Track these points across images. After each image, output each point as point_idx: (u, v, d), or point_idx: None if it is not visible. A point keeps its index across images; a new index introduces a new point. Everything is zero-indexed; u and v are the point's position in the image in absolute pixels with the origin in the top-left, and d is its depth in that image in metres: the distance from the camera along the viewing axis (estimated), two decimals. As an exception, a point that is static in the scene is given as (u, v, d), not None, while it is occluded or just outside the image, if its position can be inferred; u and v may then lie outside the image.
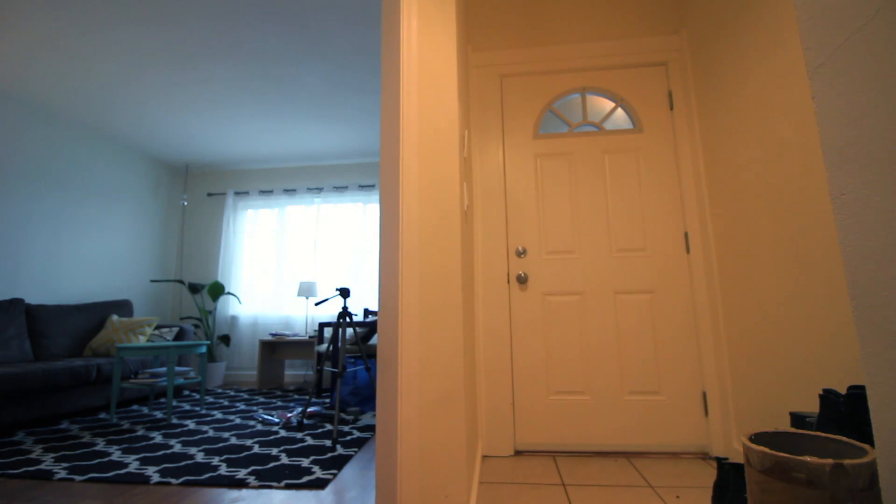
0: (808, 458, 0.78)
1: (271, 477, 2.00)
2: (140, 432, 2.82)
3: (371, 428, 2.85)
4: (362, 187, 5.28)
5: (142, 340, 3.93)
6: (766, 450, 0.83)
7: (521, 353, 2.39)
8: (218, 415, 3.33)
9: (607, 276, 2.39)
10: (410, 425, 1.38)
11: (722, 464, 1.40)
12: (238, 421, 3.12)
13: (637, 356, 2.31)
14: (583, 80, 2.58)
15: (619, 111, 2.55)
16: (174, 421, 3.12)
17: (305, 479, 1.98)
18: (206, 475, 2.04)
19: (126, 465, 2.18)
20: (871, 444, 0.79)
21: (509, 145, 2.58)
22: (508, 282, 2.44)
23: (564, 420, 2.31)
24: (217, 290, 5.03)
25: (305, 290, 4.84)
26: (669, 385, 2.27)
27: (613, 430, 2.27)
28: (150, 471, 2.09)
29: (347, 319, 2.85)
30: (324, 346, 4.13)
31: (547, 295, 2.42)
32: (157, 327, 4.27)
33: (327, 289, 5.12)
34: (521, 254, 2.47)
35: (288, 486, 1.90)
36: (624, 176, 2.47)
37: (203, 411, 3.44)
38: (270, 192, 5.46)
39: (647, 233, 2.40)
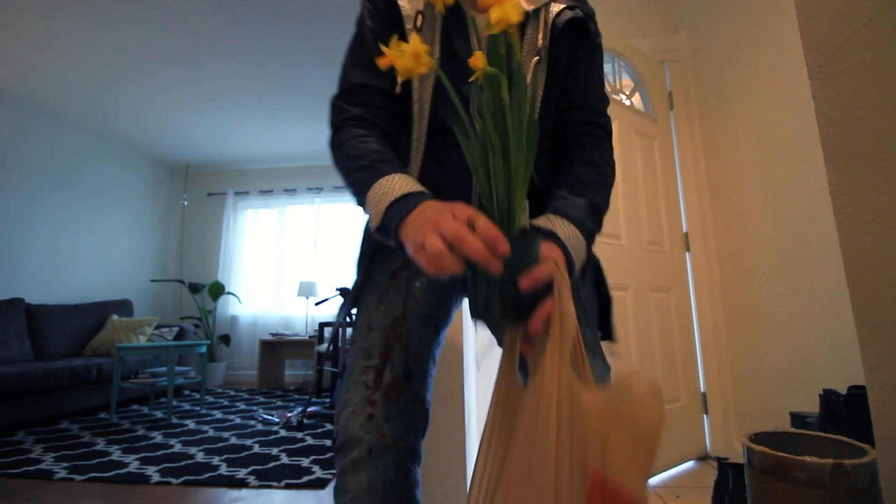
0: (808, 458, 0.78)
1: (271, 477, 2.00)
2: (140, 432, 2.82)
3: (371, 428, 2.85)
4: (362, 187, 5.28)
5: (142, 340, 3.93)
6: (767, 450, 0.83)
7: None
8: (218, 414, 3.33)
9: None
10: (410, 425, 1.37)
11: (722, 464, 1.40)
12: (238, 421, 3.12)
13: (637, 356, 2.31)
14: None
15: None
16: (174, 421, 3.12)
17: (305, 478, 1.98)
18: (206, 475, 2.03)
19: (126, 465, 2.17)
20: (872, 444, 0.79)
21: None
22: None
23: (564, 420, 2.30)
24: (217, 290, 5.03)
25: (305, 290, 4.84)
26: (669, 385, 2.27)
27: (613, 430, 2.26)
28: (150, 470, 2.09)
29: (348, 319, 2.84)
30: (324, 346, 4.13)
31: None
32: (157, 327, 4.27)
33: (327, 289, 5.11)
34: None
35: (288, 486, 1.90)
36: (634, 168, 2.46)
37: (203, 411, 3.44)
38: (270, 192, 5.45)
39: (647, 233, 2.39)
